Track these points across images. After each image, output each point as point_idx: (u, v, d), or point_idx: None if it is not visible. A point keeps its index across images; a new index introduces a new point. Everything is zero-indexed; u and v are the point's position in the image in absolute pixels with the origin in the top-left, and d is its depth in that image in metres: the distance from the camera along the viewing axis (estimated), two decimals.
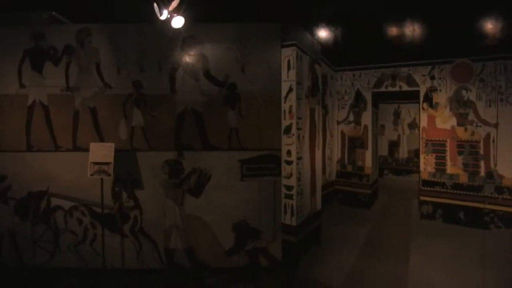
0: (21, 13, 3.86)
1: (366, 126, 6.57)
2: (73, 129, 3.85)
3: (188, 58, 3.81)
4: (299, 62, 3.81)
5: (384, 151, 10.35)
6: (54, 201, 3.85)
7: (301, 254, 3.95)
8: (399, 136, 10.33)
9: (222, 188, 3.76)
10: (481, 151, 5.45)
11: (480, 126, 5.45)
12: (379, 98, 7.39)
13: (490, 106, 5.39)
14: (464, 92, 5.57)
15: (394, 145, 10.41)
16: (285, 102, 3.78)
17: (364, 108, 6.58)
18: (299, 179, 3.79)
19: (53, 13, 3.82)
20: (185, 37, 3.80)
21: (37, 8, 3.77)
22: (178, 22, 3.73)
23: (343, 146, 6.90)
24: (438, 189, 5.79)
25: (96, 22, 3.84)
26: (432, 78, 5.82)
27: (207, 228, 3.80)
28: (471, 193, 5.52)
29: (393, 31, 3.97)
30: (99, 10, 3.82)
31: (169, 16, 3.69)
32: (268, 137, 3.78)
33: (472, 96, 5.52)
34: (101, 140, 3.83)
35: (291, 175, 3.76)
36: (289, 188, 3.77)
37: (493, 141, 5.36)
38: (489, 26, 4.03)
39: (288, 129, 3.77)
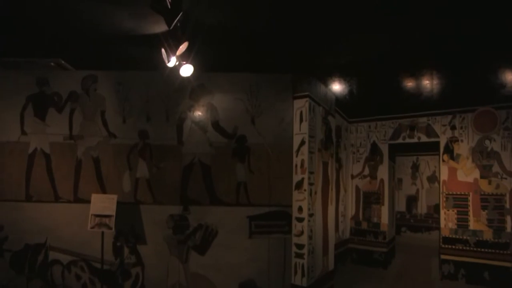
0: (26, 59, 3.75)
1: (382, 180, 6.16)
2: (74, 179, 3.70)
3: (197, 108, 3.68)
4: (312, 114, 3.67)
5: (401, 206, 9.70)
6: (52, 255, 3.67)
7: None
8: (417, 190, 9.63)
9: (229, 245, 3.58)
10: (507, 205, 5.01)
11: (506, 179, 5.04)
12: (396, 150, 7.05)
13: None
14: (487, 142, 5.22)
15: (412, 200, 9.69)
16: (296, 155, 3.62)
17: (380, 161, 6.19)
18: (310, 237, 3.60)
19: (60, 59, 3.71)
20: (193, 86, 3.67)
21: (42, 54, 3.66)
22: (186, 70, 3.59)
23: (357, 202, 6.44)
24: (460, 247, 5.31)
25: (102, 69, 3.72)
26: (453, 128, 5.49)
27: (212, 287, 3.58)
28: (497, 251, 5.03)
29: (410, 80, 3.83)
30: (105, 57, 3.71)
31: (177, 63, 3.56)
32: (279, 192, 3.64)
33: (496, 146, 5.16)
34: (104, 191, 3.67)
35: (302, 232, 3.56)
36: (300, 246, 3.57)
37: None
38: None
39: (299, 184, 3.59)
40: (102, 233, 3.45)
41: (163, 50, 3.48)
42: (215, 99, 3.68)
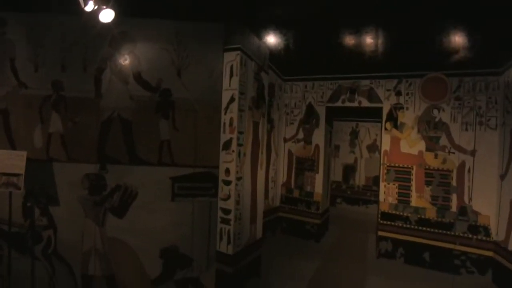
0: None
1: (317, 146, 5.69)
2: None
3: (117, 57, 3.33)
4: (244, 69, 3.37)
5: (337, 176, 8.98)
6: None
7: (238, 287, 3.51)
8: (356, 159, 8.87)
9: (149, 208, 3.31)
10: (454, 183, 4.68)
11: (454, 153, 4.70)
12: (334, 114, 6.56)
13: (466, 129, 4.66)
14: (435, 111, 4.82)
15: (349, 170, 8.91)
16: (225, 113, 3.33)
17: (316, 125, 5.70)
18: (238, 202, 3.35)
19: None
20: (114, 33, 3.31)
21: None
22: (107, 15, 3.23)
23: (289, 168, 5.96)
24: (400, 224, 4.97)
25: (11, 11, 3.32)
26: (398, 93, 5.04)
27: (131, 253, 3.33)
28: (440, 231, 4.72)
29: (352, 37, 3.53)
30: None
31: (96, 8, 3.19)
32: (205, 152, 3.35)
33: (445, 117, 4.76)
34: (12, 147, 3.32)
35: (229, 197, 3.31)
36: (227, 211, 3.32)
37: (469, 171, 4.63)
38: (466, 36, 3.62)
39: (227, 145, 3.32)
40: (10, 193, 3.12)
41: None
42: (138, 48, 3.34)
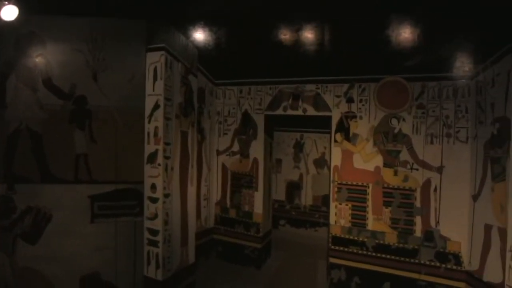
0: None
1: (256, 160, 5.00)
2: None
3: (24, 61, 2.91)
4: (169, 71, 3.00)
5: (280, 194, 7.89)
6: None
7: None
8: (301, 175, 7.80)
9: (67, 232, 2.94)
10: (418, 203, 4.08)
11: (417, 170, 4.09)
12: (275, 124, 5.83)
13: (431, 142, 4.05)
14: (395, 121, 4.21)
15: (294, 188, 7.86)
16: (149, 122, 2.95)
17: (254, 135, 4.99)
18: (166, 222, 2.98)
19: None
20: (19, 33, 2.89)
21: None
22: (9, 12, 2.81)
23: (224, 184, 5.26)
24: (355, 250, 4.33)
25: None
26: (350, 100, 4.42)
27: (47, 284, 2.94)
28: (402, 259, 4.13)
29: (294, 34, 3.18)
30: None
31: None
32: (127, 166, 3.01)
33: (406, 128, 4.15)
34: None
35: (156, 216, 2.94)
36: (154, 232, 2.95)
37: (435, 190, 4.02)
38: (428, 33, 3.28)
39: (152, 157, 2.94)
40: None
41: None
42: (47, 50, 2.94)
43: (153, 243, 2.96)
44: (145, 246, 2.98)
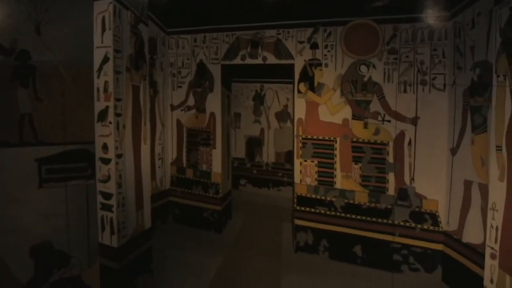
0: None
1: (213, 115, 4.69)
2: None
3: None
4: (118, 21, 2.80)
5: (240, 152, 7.40)
6: None
7: (127, 285, 3.02)
8: (262, 130, 7.26)
9: (12, 199, 2.73)
10: (390, 159, 3.78)
11: (389, 121, 3.77)
12: (233, 74, 5.51)
13: (405, 91, 3.70)
14: (364, 68, 3.84)
15: (255, 144, 7.32)
16: (98, 76, 2.77)
17: (210, 88, 4.66)
18: (120, 185, 2.84)
19: None
20: None
21: None
22: None
23: (180, 142, 4.91)
24: (323, 211, 4.06)
25: None
26: (314, 46, 4.02)
27: None
28: (374, 220, 3.86)
29: None
30: None
31: None
32: (77, 125, 2.83)
33: (376, 76, 3.79)
34: None
35: (109, 178, 2.79)
36: (107, 196, 2.81)
37: (410, 144, 3.71)
38: None
39: (103, 115, 2.77)
40: None
41: None
42: None
43: (107, 208, 2.80)
44: (98, 211, 2.83)
